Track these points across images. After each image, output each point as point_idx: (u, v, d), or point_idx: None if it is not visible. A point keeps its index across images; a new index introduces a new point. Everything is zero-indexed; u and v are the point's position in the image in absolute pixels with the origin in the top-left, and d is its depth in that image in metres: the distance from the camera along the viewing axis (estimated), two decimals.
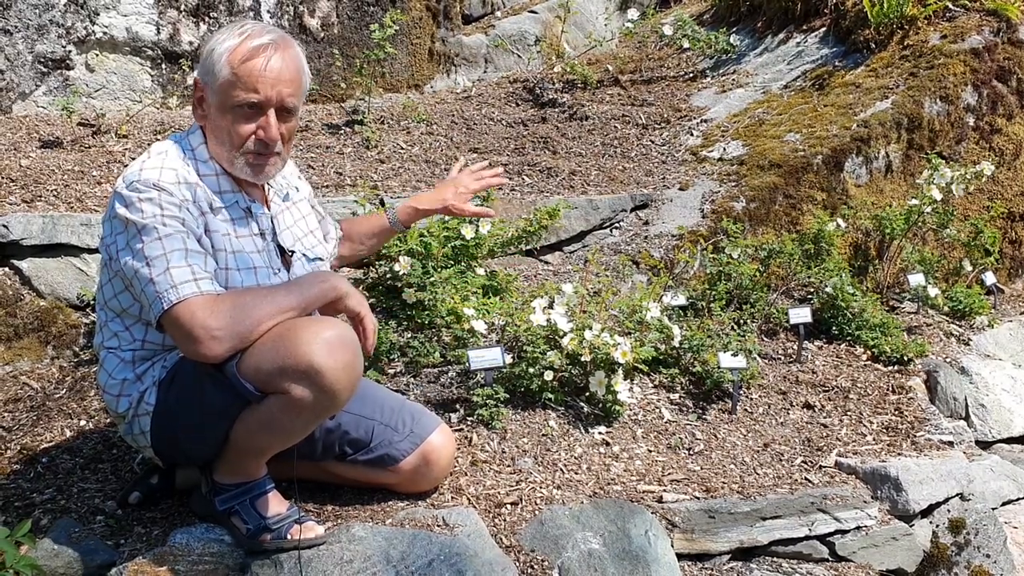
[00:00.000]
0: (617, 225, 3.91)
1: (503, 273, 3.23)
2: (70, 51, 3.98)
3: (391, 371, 2.78)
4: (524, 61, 5.51)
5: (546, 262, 3.72)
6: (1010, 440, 3.38)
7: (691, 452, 2.74)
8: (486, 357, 2.59)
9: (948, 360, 3.47)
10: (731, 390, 3.00)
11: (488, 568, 1.98)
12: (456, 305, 2.79)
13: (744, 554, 2.41)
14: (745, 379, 3.06)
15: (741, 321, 3.40)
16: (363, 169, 4.01)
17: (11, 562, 1.73)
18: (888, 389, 3.25)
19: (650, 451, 2.69)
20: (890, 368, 3.38)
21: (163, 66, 4.22)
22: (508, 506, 2.27)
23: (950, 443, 2.99)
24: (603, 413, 2.76)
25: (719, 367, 2.94)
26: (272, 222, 2.09)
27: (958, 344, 3.65)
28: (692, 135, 4.61)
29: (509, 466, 2.44)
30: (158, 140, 2.11)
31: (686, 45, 5.53)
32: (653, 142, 4.61)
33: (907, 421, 3.07)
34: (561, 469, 2.48)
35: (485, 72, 5.48)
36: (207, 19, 4.30)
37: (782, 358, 3.40)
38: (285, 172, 2.20)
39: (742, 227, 3.68)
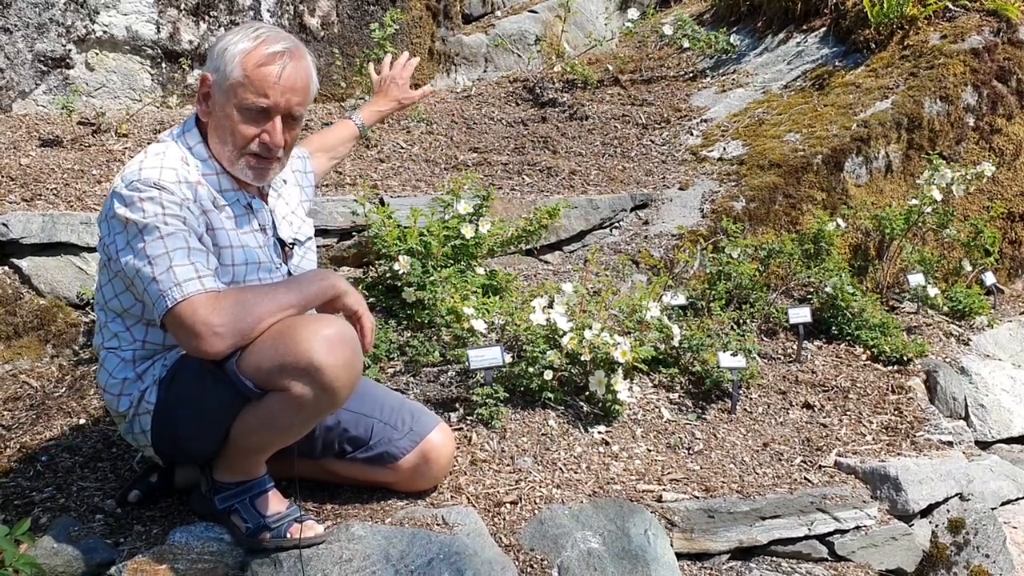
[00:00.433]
0: (617, 225, 3.91)
1: (503, 272, 3.23)
2: (70, 50, 3.98)
3: (391, 370, 2.78)
4: (524, 61, 5.51)
5: (546, 261, 3.72)
6: (1009, 440, 3.38)
7: (691, 452, 2.74)
8: (486, 356, 2.59)
9: (948, 360, 3.48)
10: (731, 390, 3.00)
11: (487, 567, 1.98)
12: (456, 304, 2.79)
13: (743, 553, 2.41)
14: (745, 379, 3.06)
15: (741, 321, 3.40)
16: (363, 168, 4.01)
17: (10, 560, 1.73)
18: (888, 389, 3.25)
19: (649, 450, 2.69)
20: (890, 368, 3.38)
21: (163, 65, 4.22)
22: (507, 505, 2.27)
23: (949, 443, 2.99)
24: (603, 412, 2.76)
25: (719, 367, 2.94)
26: (271, 216, 2.10)
27: (958, 344, 3.65)
28: (692, 135, 4.61)
29: (508, 465, 2.44)
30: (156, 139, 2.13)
31: (686, 45, 5.53)
32: (653, 142, 4.61)
33: (907, 421, 3.07)
34: (561, 468, 2.48)
35: (485, 71, 5.48)
36: (207, 18, 4.30)
37: (782, 358, 3.40)
38: None
39: (742, 227, 3.68)
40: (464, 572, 1.94)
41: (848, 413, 3.10)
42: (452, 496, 2.26)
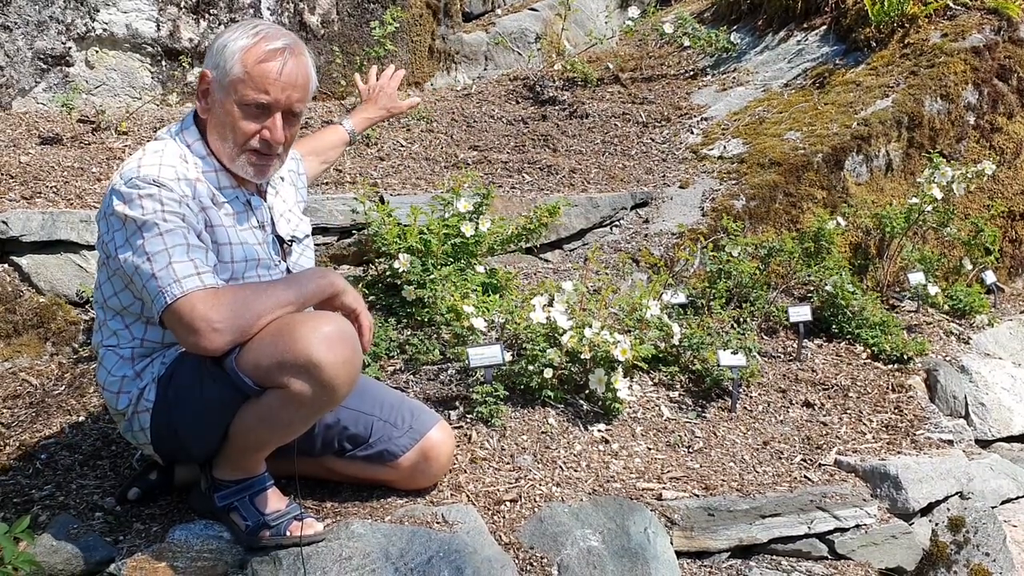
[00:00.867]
0: (617, 223, 3.91)
1: (503, 271, 3.23)
2: (70, 48, 3.98)
3: (391, 368, 2.78)
4: (524, 59, 5.50)
5: (546, 260, 3.72)
6: (1010, 439, 3.38)
7: (691, 450, 2.74)
8: (486, 354, 2.59)
9: (948, 359, 3.47)
10: (731, 388, 3.00)
11: (487, 565, 1.98)
12: (456, 302, 2.79)
13: (743, 552, 2.41)
14: (745, 377, 3.06)
15: (741, 319, 3.40)
16: (363, 167, 4.01)
17: (10, 558, 1.72)
18: (888, 387, 3.25)
19: (649, 449, 2.69)
20: (890, 366, 3.38)
21: (163, 63, 4.22)
22: (507, 503, 2.27)
23: (950, 442, 2.99)
24: (602, 411, 2.76)
25: (719, 365, 2.94)
26: (270, 213, 2.10)
27: (958, 343, 3.65)
28: (692, 133, 4.61)
29: (508, 463, 2.44)
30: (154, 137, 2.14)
31: (687, 43, 5.53)
32: (653, 140, 4.61)
33: (907, 419, 3.07)
34: (560, 466, 2.48)
35: (485, 70, 5.48)
36: (207, 16, 4.30)
37: (782, 356, 3.40)
38: None
39: (742, 225, 3.68)
40: (464, 570, 1.94)
41: (848, 411, 3.10)
42: (452, 494, 2.26)
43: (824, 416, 3.06)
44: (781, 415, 3.04)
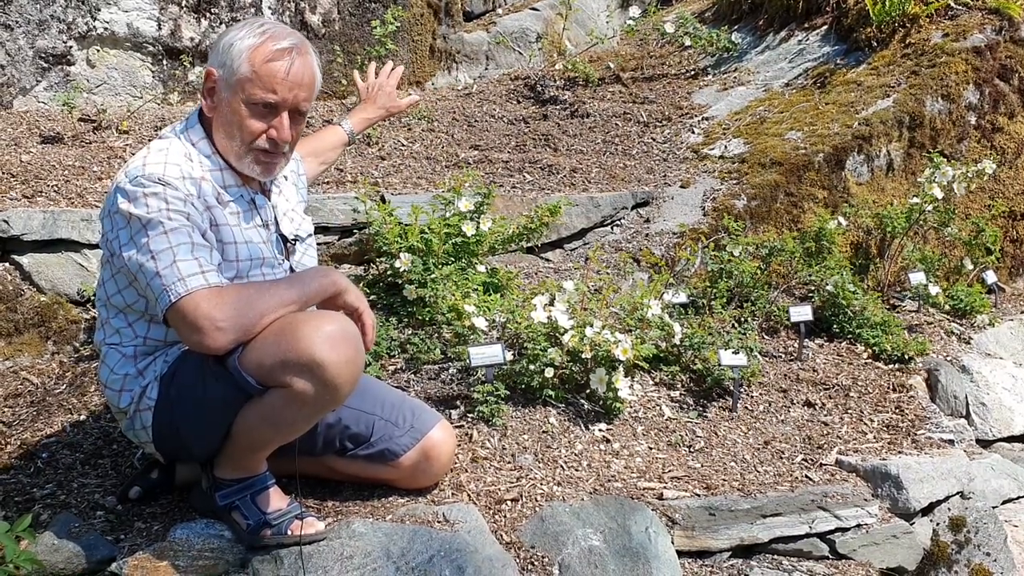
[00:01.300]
0: (618, 223, 3.91)
1: (504, 270, 3.23)
2: (71, 47, 3.98)
3: (392, 367, 2.78)
4: (525, 58, 5.50)
5: (547, 259, 3.72)
6: (1011, 439, 3.38)
7: (692, 449, 2.74)
8: (487, 354, 2.59)
9: (949, 358, 3.47)
10: (732, 388, 3.00)
11: (488, 564, 1.98)
12: (457, 302, 2.79)
13: (744, 551, 2.41)
14: (746, 377, 3.06)
15: (742, 319, 3.40)
16: (364, 166, 4.01)
17: (11, 557, 1.73)
18: (889, 387, 3.25)
19: (651, 448, 2.69)
20: (891, 366, 3.38)
21: (164, 62, 4.22)
22: (508, 502, 2.27)
23: (951, 441, 2.99)
24: (604, 410, 2.76)
25: (720, 365, 2.94)
26: (274, 212, 2.10)
27: (959, 342, 3.65)
28: (693, 133, 4.61)
29: (509, 463, 2.44)
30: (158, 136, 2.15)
31: (688, 43, 5.53)
32: (654, 140, 4.61)
33: (908, 419, 3.07)
34: (561, 466, 2.48)
35: (486, 69, 5.48)
36: (208, 15, 4.29)
37: (783, 356, 3.40)
38: None
39: (743, 225, 3.68)
40: (465, 569, 1.94)
41: (849, 411, 3.10)
42: (453, 493, 2.26)
43: (825, 416, 3.06)
44: (782, 415, 3.04)
